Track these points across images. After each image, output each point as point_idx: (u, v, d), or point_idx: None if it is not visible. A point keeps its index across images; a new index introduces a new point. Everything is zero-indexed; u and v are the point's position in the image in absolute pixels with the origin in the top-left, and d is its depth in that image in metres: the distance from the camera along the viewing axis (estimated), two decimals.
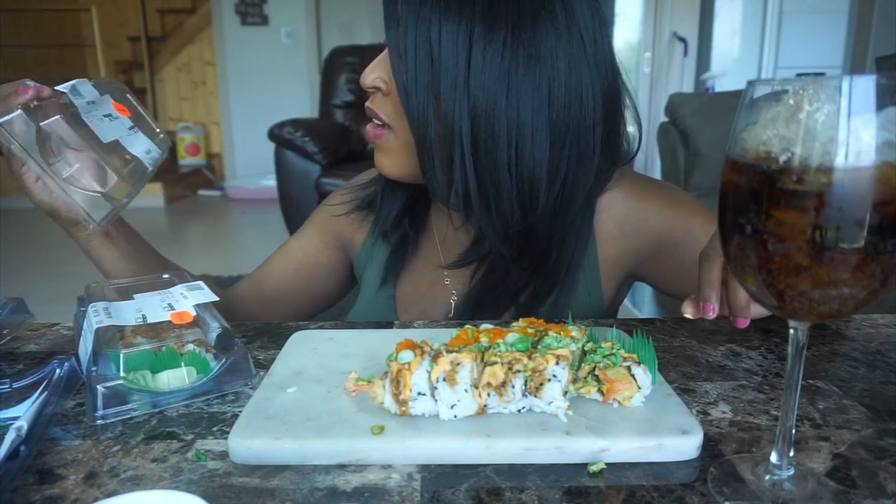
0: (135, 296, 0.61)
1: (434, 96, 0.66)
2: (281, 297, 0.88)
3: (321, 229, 0.90)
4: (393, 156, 0.72)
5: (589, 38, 0.67)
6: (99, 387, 0.49)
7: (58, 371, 0.54)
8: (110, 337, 0.54)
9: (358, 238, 0.88)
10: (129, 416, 0.50)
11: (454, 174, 0.68)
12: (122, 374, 0.51)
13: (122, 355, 0.51)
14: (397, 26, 0.66)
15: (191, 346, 0.55)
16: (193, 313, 0.58)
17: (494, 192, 0.68)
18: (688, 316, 0.54)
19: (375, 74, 0.70)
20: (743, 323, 0.54)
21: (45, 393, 0.51)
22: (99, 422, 0.49)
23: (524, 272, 0.75)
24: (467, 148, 0.66)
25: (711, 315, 0.53)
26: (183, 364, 0.53)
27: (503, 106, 0.65)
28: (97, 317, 0.56)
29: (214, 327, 0.58)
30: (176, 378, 0.53)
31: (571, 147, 0.68)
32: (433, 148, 0.68)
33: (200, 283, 0.64)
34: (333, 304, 0.94)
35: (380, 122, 0.71)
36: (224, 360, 0.54)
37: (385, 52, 0.69)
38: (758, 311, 0.56)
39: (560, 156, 0.68)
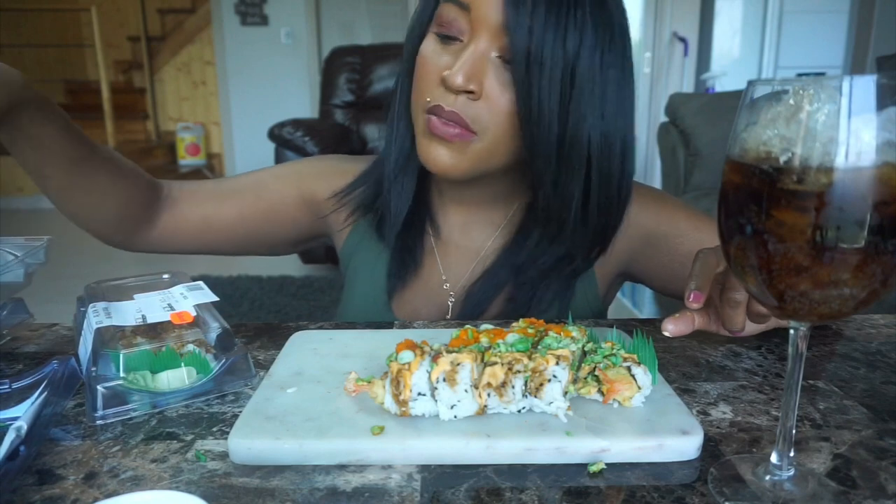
0: (135, 296, 0.61)
1: (565, 111, 0.65)
2: (226, 211, 0.81)
3: (301, 185, 0.84)
4: (467, 159, 0.68)
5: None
6: (99, 387, 0.49)
7: (58, 371, 0.54)
8: (110, 337, 0.54)
9: (343, 225, 0.84)
10: (128, 416, 0.50)
11: (569, 187, 0.69)
12: (121, 374, 0.51)
13: (122, 355, 0.51)
14: (528, 35, 0.62)
15: (191, 346, 0.55)
16: (193, 313, 0.58)
17: (605, 200, 0.71)
18: (667, 333, 0.55)
19: (470, 76, 0.64)
20: (736, 333, 0.56)
21: (45, 393, 0.51)
22: (99, 422, 0.49)
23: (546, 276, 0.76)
24: (596, 162, 0.68)
25: (695, 304, 0.53)
26: (183, 364, 0.53)
27: (621, 120, 0.68)
28: (97, 317, 0.56)
29: (214, 327, 0.58)
30: (176, 378, 0.53)
31: None
32: (552, 162, 0.67)
33: (200, 283, 0.64)
34: (266, 255, 0.88)
35: (462, 127, 0.67)
36: (224, 361, 0.54)
37: (472, 54, 0.65)
38: (753, 328, 0.57)
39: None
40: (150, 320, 0.56)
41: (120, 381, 0.50)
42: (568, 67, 0.64)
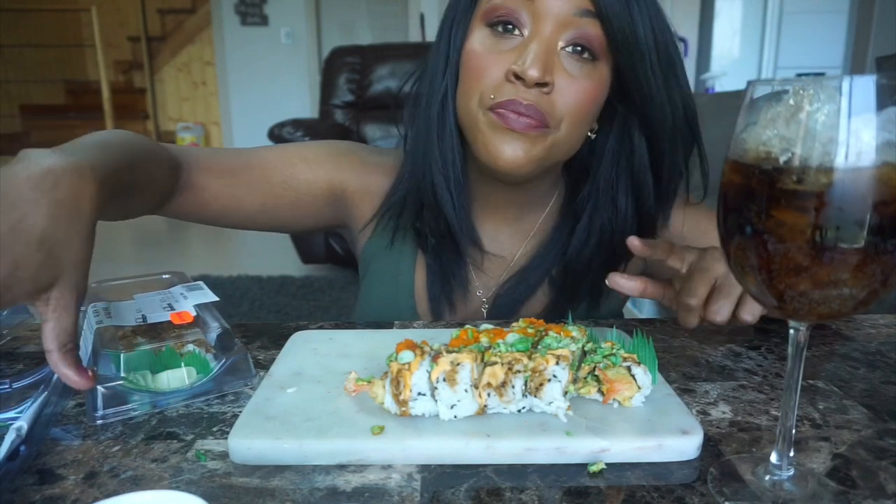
0: (135, 296, 0.61)
1: (668, 88, 0.69)
2: (249, 203, 0.77)
3: (332, 176, 0.80)
4: (540, 153, 0.66)
5: None
6: (99, 387, 0.49)
7: None
8: (110, 337, 0.54)
9: (366, 228, 0.82)
10: (129, 416, 0.50)
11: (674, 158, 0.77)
12: (122, 374, 0.51)
13: (122, 356, 0.51)
14: (629, 21, 0.64)
15: (191, 346, 0.55)
16: (193, 313, 0.58)
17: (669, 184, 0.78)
18: (609, 283, 0.62)
19: (545, 68, 0.63)
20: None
21: (45, 393, 0.51)
22: (99, 422, 0.49)
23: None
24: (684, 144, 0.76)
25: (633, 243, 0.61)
26: (183, 364, 0.53)
27: (688, 86, 0.73)
28: (97, 317, 0.56)
29: (214, 327, 0.58)
30: (176, 378, 0.53)
31: None
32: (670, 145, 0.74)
33: (200, 283, 0.64)
34: (280, 233, 0.86)
35: (538, 121, 0.65)
36: (224, 360, 0.54)
37: (541, 45, 0.63)
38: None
39: None
40: (150, 320, 0.56)
41: (120, 381, 0.50)
42: (659, 45, 0.67)
